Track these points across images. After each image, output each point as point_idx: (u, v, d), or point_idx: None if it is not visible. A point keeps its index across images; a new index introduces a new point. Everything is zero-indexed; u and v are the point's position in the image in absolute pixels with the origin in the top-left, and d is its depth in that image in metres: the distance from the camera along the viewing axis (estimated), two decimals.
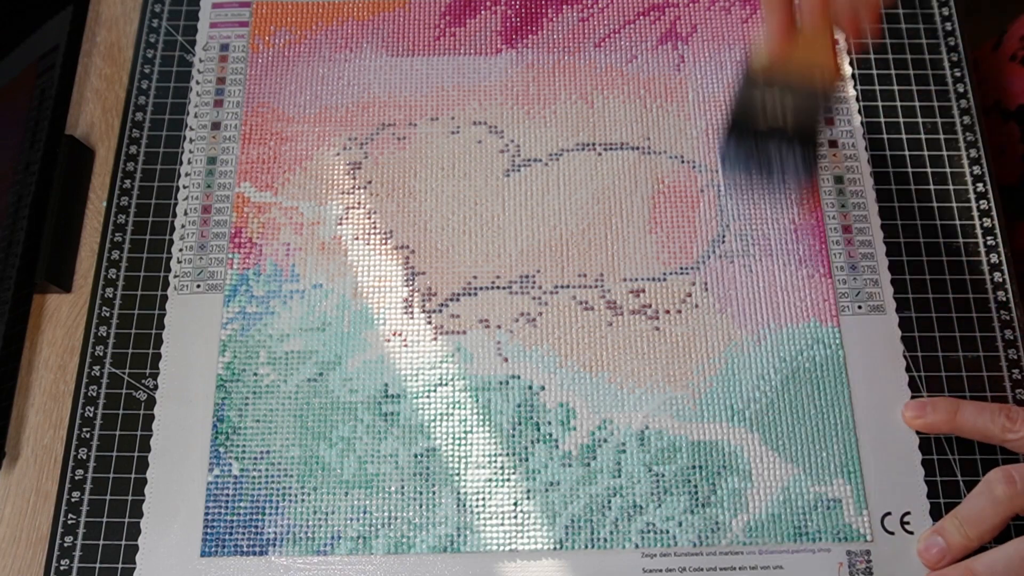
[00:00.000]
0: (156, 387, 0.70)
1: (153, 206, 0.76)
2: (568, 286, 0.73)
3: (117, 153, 0.78)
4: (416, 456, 0.68)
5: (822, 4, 0.64)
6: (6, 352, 0.70)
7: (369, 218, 0.75)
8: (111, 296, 0.73)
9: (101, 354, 0.71)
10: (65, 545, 0.66)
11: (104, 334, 0.72)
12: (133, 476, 0.68)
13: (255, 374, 0.71)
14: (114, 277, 0.73)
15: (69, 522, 0.67)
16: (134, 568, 0.66)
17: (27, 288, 0.72)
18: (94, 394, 0.70)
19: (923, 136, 0.77)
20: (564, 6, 0.82)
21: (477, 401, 0.70)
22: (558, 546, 0.66)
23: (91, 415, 0.70)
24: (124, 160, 0.77)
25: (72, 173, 0.76)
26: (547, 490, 0.67)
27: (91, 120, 0.79)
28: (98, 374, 0.71)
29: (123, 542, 0.66)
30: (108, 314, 0.72)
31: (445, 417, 0.69)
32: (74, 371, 0.71)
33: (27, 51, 0.78)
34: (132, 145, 0.78)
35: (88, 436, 0.69)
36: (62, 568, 0.66)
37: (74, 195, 0.76)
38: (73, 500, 0.67)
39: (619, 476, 0.68)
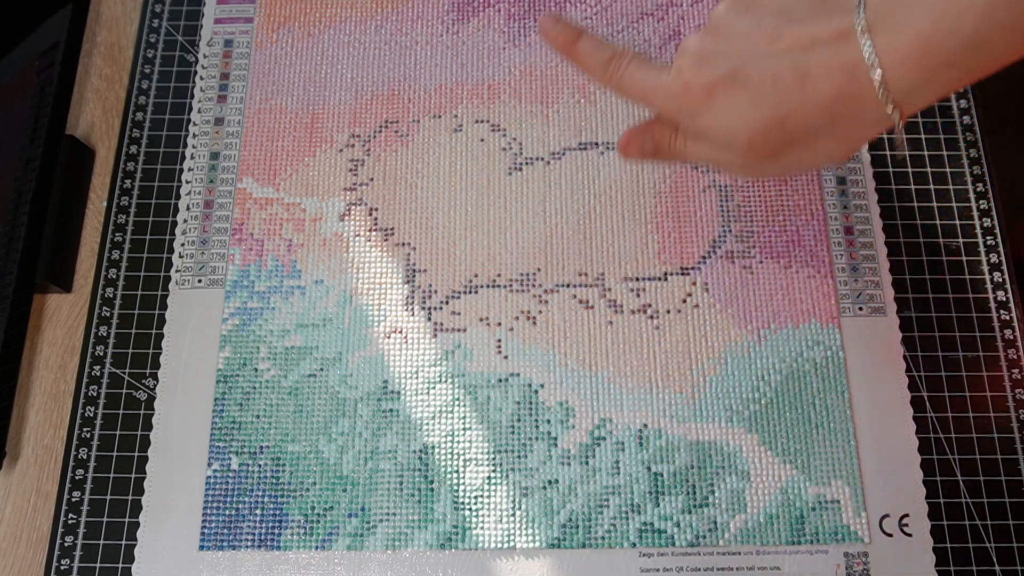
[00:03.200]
0: (156, 387, 0.71)
1: (153, 206, 0.76)
2: (568, 285, 0.73)
3: (117, 153, 0.78)
4: (415, 453, 0.68)
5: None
6: (6, 352, 0.70)
7: (371, 215, 0.75)
8: (111, 296, 0.73)
9: (101, 354, 0.72)
10: (65, 545, 0.67)
11: (104, 334, 0.72)
12: (133, 476, 0.68)
13: (255, 369, 0.71)
14: (114, 277, 0.74)
15: (69, 522, 0.67)
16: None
17: (27, 288, 0.73)
18: (94, 394, 0.70)
19: (923, 136, 0.77)
20: (568, 5, 0.82)
21: (476, 399, 0.70)
22: (556, 544, 0.66)
23: (91, 415, 0.70)
24: (124, 160, 0.77)
25: (72, 173, 0.77)
26: (545, 488, 0.68)
27: (91, 120, 0.80)
28: (98, 374, 0.71)
29: (123, 542, 0.67)
30: (108, 314, 0.73)
31: (444, 414, 0.70)
32: (74, 371, 0.71)
33: (27, 49, 0.78)
34: (132, 145, 0.78)
35: (88, 436, 0.69)
36: (62, 568, 0.66)
37: (74, 195, 0.76)
38: (73, 500, 0.68)
39: (618, 475, 0.68)
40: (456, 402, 0.70)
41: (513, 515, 0.67)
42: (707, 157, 0.59)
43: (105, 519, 0.67)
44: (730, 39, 0.56)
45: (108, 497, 0.68)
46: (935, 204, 0.75)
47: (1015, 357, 0.71)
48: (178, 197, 0.76)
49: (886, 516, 0.67)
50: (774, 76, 0.53)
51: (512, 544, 0.66)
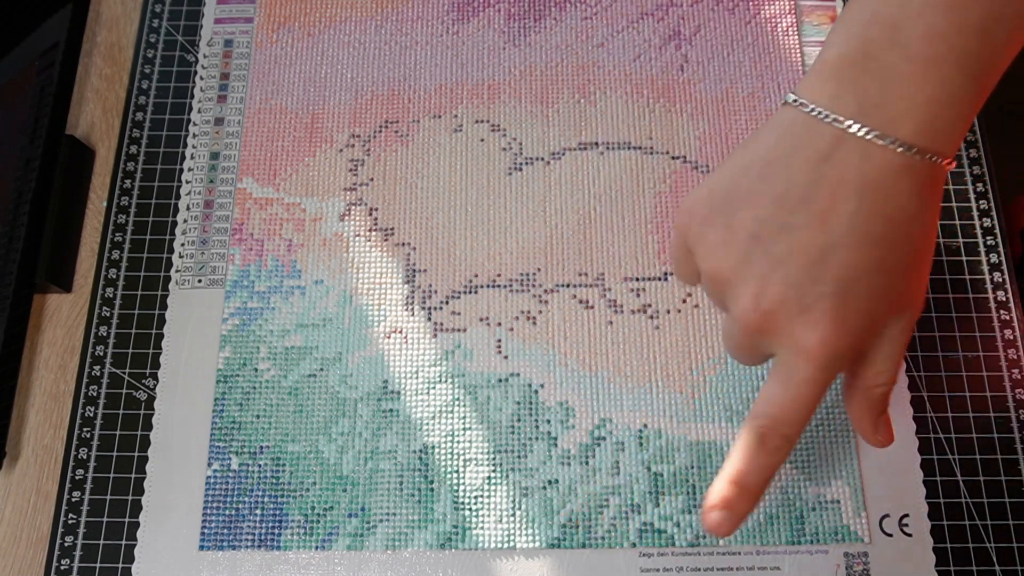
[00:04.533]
0: (156, 387, 0.71)
1: (153, 206, 0.76)
2: (568, 285, 0.73)
3: (117, 153, 0.78)
4: (415, 453, 0.68)
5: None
6: (6, 352, 0.70)
7: (370, 215, 0.75)
8: (111, 296, 0.73)
9: (101, 354, 0.71)
10: (65, 545, 0.67)
11: (104, 334, 0.72)
12: (133, 476, 0.68)
13: (255, 369, 0.71)
14: (114, 277, 0.74)
15: (69, 522, 0.67)
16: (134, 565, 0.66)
17: (27, 288, 0.73)
18: (94, 394, 0.70)
19: None
20: (568, 5, 0.82)
21: (476, 399, 0.70)
22: (556, 544, 0.66)
23: (91, 415, 0.70)
24: (124, 160, 0.77)
25: (72, 173, 0.76)
26: (545, 488, 0.68)
27: (91, 120, 0.80)
28: (98, 374, 0.71)
29: (123, 542, 0.67)
30: (108, 314, 0.73)
31: (444, 414, 0.70)
32: (74, 371, 0.71)
33: (27, 49, 0.78)
34: (132, 145, 0.78)
35: (88, 436, 0.69)
36: (62, 568, 0.66)
37: (74, 195, 0.76)
38: (73, 500, 0.68)
39: (617, 475, 0.68)
40: (456, 402, 0.70)
41: (513, 515, 0.67)
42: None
43: (105, 519, 0.67)
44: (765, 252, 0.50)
45: (108, 497, 0.68)
46: None
47: (1015, 357, 0.71)
48: (178, 197, 0.76)
49: (886, 516, 0.67)
50: (860, 240, 0.48)
51: (512, 544, 0.66)
